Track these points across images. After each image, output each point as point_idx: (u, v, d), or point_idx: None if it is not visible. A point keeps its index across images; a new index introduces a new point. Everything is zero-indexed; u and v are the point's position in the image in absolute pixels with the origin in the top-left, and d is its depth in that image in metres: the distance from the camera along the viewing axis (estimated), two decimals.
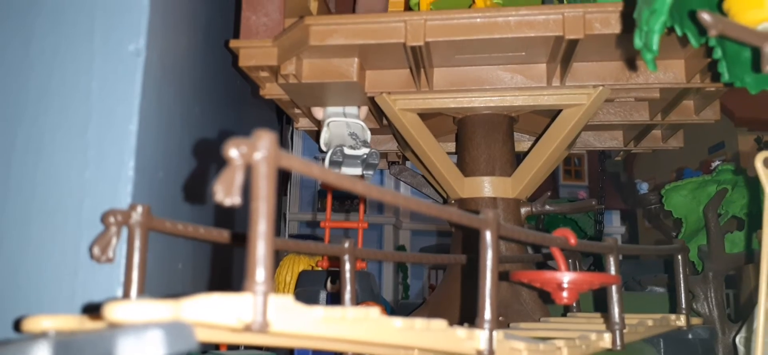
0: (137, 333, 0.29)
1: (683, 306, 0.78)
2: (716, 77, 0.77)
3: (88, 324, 0.43)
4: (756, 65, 0.55)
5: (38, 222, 0.60)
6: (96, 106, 0.62)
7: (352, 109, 0.92)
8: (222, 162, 0.31)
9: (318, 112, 0.93)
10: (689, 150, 1.16)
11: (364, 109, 0.95)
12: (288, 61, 0.79)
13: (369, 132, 0.94)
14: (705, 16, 0.44)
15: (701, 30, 0.55)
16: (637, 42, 0.57)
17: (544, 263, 0.99)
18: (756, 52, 0.54)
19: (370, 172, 0.95)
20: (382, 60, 0.83)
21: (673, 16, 0.56)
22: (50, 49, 0.64)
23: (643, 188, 1.39)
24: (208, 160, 0.81)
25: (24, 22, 0.65)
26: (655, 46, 0.55)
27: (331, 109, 0.92)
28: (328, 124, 0.91)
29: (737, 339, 0.79)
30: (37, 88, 0.63)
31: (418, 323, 0.43)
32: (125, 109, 0.61)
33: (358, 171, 0.94)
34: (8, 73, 0.64)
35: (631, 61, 0.81)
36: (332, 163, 0.91)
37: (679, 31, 0.57)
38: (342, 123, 0.91)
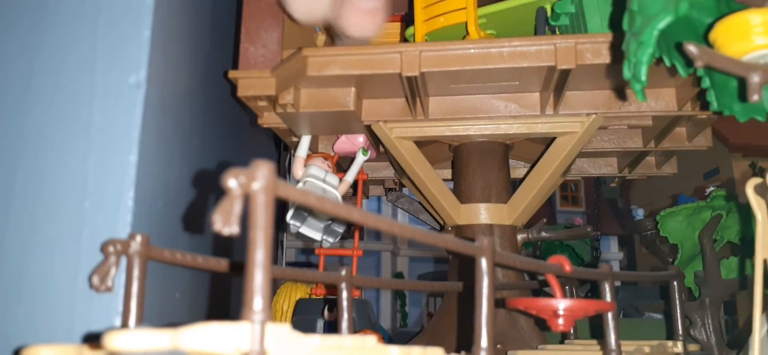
0: None
1: (680, 332, 0.78)
2: (706, 105, 0.78)
3: (87, 354, 0.43)
4: (743, 94, 0.56)
5: (38, 251, 0.60)
6: (96, 137, 0.63)
7: (333, 179, 0.91)
8: (221, 192, 0.32)
9: (298, 171, 0.92)
10: (685, 176, 1.17)
11: (345, 185, 0.94)
12: (286, 90, 0.80)
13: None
14: (691, 48, 0.45)
15: (689, 61, 0.56)
16: (626, 73, 0.58)
17: (541, 289, 0.99)
18: (743, 82, 0.55)
19: (331, 239, 0.95)
20: (378, 89, 0.84)
21: (661, 47, 0.57)
22: (52, 82, 0.65)
23: (639, 214, 1.40)
24: (207, 189, 0.81)
25: (26, 54, 0.66)
26: (643, 77, 0.56)
27: (312, 170, 0.91)
28: (304, 181, 0.90)
29: None
30: (39, 120, 0.64)
31: (415, 351, 0.43)
32: (125, 140, 0.62)
33: (317, 236, 0.94)
34: (10, 103, 0.65)
35: (623, 90, 0.82)
36: (296, 214, 0.92)
37: (667, 62, 0.58)
38: (318, 187, 0.89)
